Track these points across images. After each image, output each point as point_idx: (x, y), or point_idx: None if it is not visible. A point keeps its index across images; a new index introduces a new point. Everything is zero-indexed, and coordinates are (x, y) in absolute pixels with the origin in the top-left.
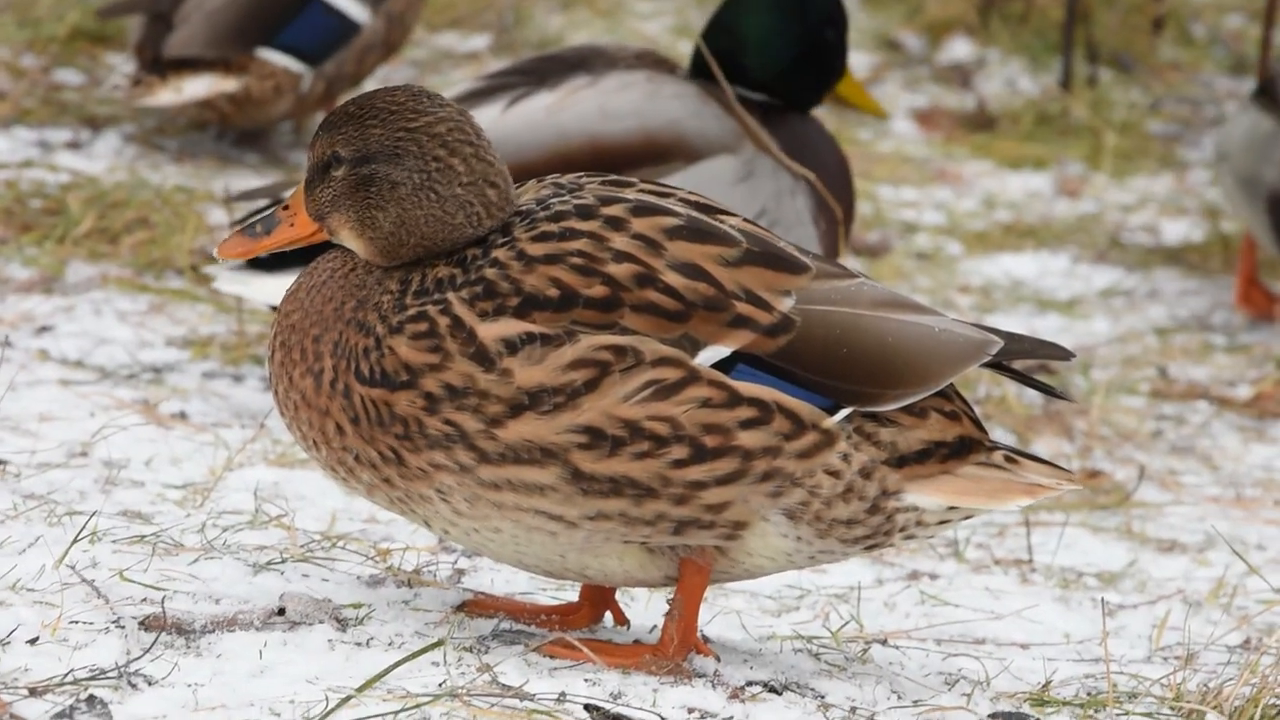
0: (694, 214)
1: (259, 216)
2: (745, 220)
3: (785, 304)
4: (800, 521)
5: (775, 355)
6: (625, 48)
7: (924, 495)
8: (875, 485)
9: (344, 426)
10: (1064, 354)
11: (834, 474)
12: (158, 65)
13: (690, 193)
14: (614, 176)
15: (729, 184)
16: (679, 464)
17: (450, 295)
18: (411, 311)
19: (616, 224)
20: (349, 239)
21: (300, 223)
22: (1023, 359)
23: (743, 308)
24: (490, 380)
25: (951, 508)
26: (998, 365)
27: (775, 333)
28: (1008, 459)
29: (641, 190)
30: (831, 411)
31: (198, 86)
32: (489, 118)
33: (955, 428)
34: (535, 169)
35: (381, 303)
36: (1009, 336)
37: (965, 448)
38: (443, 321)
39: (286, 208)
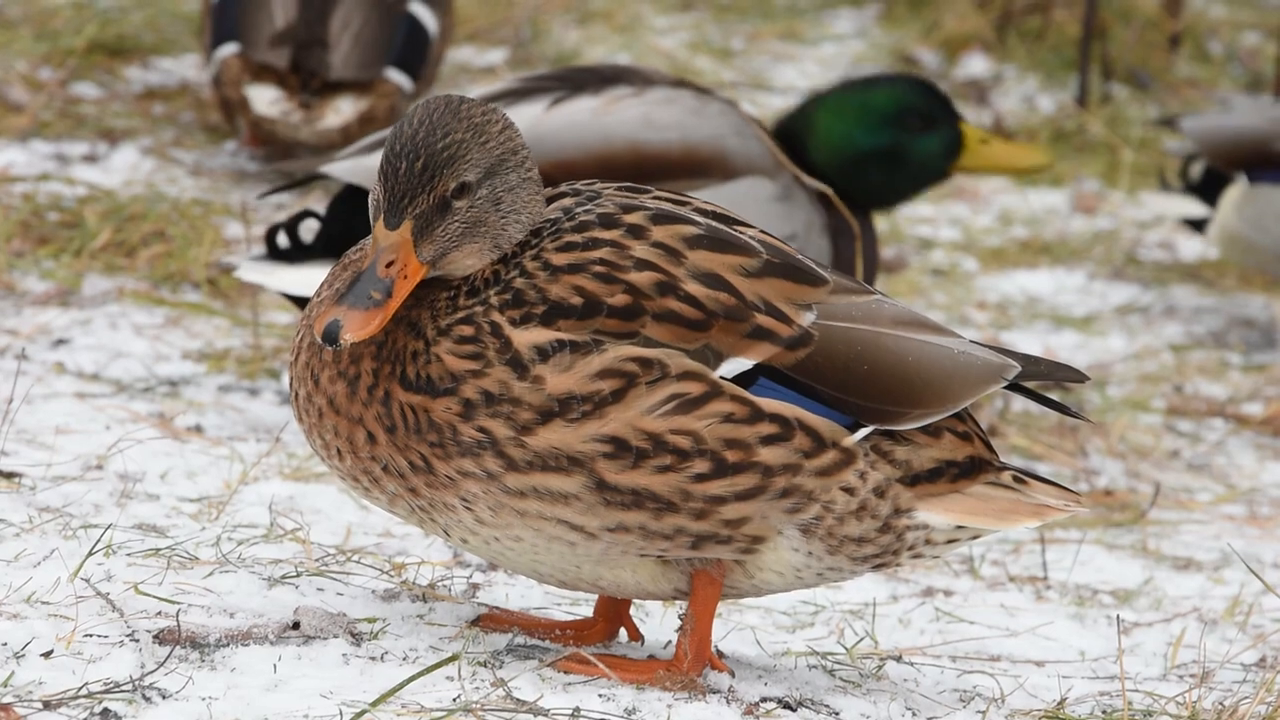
0: (713, 223)
1: (356, 288)
2: (762, 232)
3: (806, 318)
4: (813, 537)
5: (795, 369)
6: (661, 72)
7: (934, 514)
8: (888, 504)
9: (377, 435)
10: (1079, 377)
11: (849, 491)
12: (305, 90)
13: (706, 202)
14: (629, 184)
15: (765, 202)
16: (700, 478)
17: (492, 296)
18: (461, 314)
19: (637, 232)
20: (472, 262)
21: (413, 270)
22: (1039, 381)
23: (762, 319)
24: (523, 387)
25: (960, 527)
26: (1013, 386)
27: (795, 346)
28: (1016, 479)
29: (659, 197)
30: (851, 429)
31: (347, 107)
32: (531, 115)
33: (967, 448)
34: (577, 168)
35: (437, 300)
36: (1026, 359)
37: (975, 467)
38: (485, 325)
39: (390, 263)
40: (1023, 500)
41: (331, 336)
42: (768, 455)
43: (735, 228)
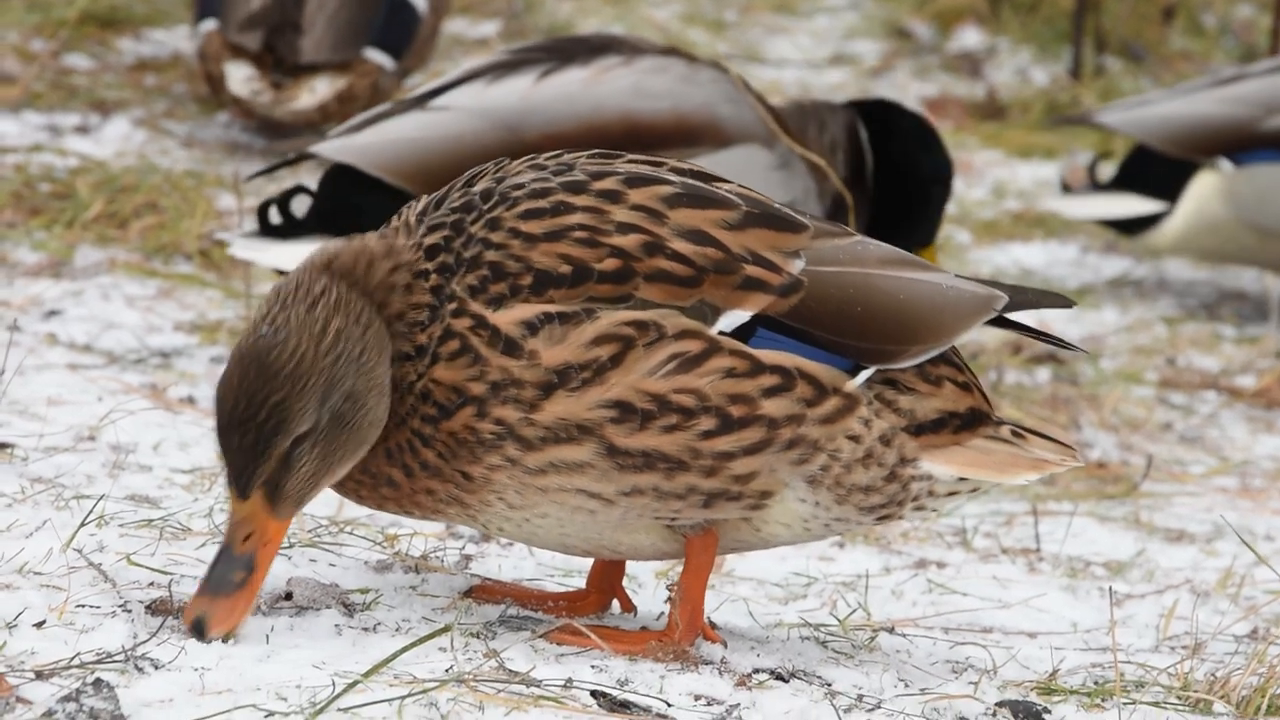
0: (689, 180)
1: (215, 573)
2: (739, 186)
3: (795, 265)
4: (820, 486)
5: (790, 315)
6: (649, 41)
7: (937, 465)
8: (894, 452)
9: (433, 488)
10: (1065, 302)
11: (855, 439)
12: (279, 69)
13: (681, 162)
14: (600, 150)
15: (764, 170)
16: (707, 435)
17: (455, 288)
18: (437, 334)
19: (614, 196)
20: (350, 469)
21: (275, 532)
22: (1026, 309)
23: (752, 270)
24: (521, 366)
25: (961, 479)
26: (1003, 322)
27: (787, 293)
28: (1014, 434)
29: (631, 161)
30: (852, 373)
31: (323, 87)
32: (521, 87)
33: (968, 399)
34: (568, 140)
35: (403, 383)
36: (1012, 289)
37: (975, 419)
38: (463, 324)
39: (248, 536)
40: (1021, 454)
41: (200, 630)
42: (771, 407)
43: (712, 184)
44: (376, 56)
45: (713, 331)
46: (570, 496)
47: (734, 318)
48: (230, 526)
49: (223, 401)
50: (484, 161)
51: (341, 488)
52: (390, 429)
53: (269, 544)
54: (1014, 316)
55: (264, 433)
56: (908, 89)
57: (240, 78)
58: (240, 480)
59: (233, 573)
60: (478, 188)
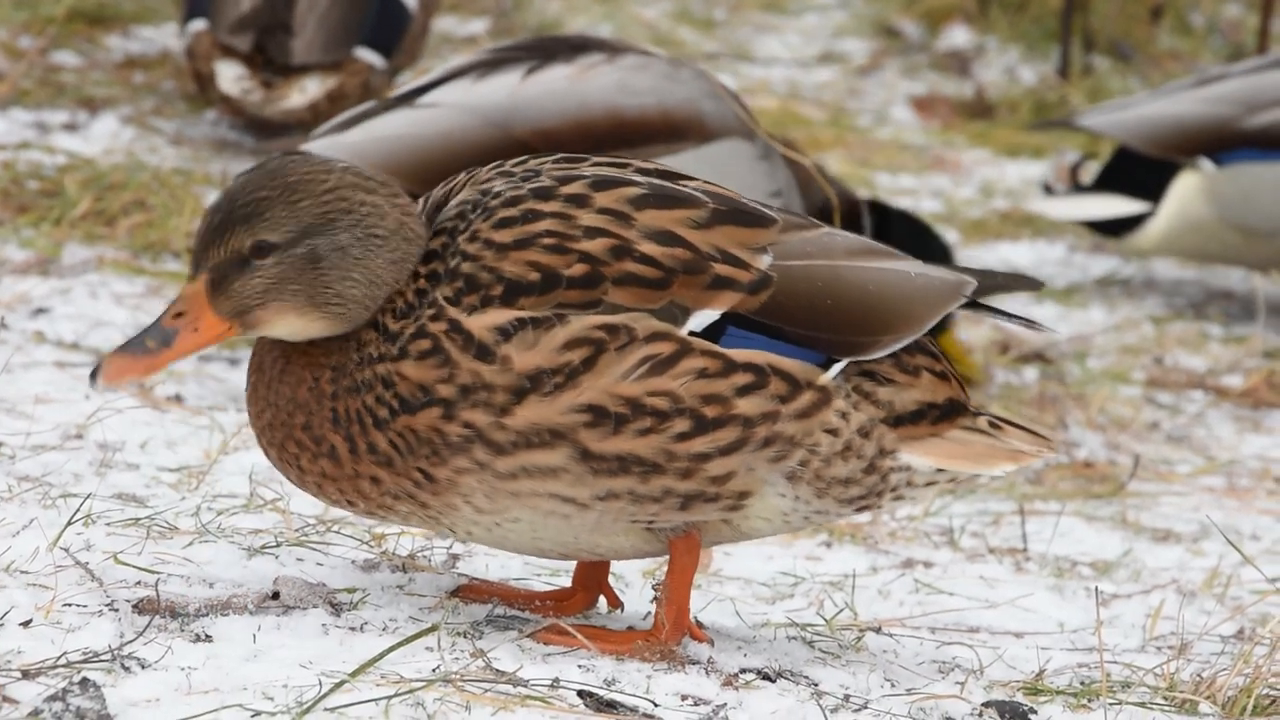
0: (655, 181)
1: (136, 335)
2: (705, 182)
3: (763, 261)
4: (800, 481)
5: (760, 312)
6: (627, 41)
7: (916, 456)
8: (873, 444)
9: (380, 476)
10: (1034, 284)
11: (832, 432)
12: (269, 69)
13: (646, 161)
14: (565, 154)
15: (749, 161)
16: (682, 437)
17: (438, 295)
18: (410, 331)
19: (581, 201)
20: (295, 324)
21: (206, 325)
22: (997, 293)
23: (721, 268)
24: (493, 371)
25: (939, 470)
26: (974, 305)
27: (757, 290)
28: (991, 424)
29: (597, 164)
30: (825, 366)
31: (314, 86)
32: (507, 85)
33: (945, 389)
34: (555, 136)
35: (365, 353)
36: (981, 274)
37: (953, 410)
38: (438, 327)
39: (180, 314)
40: (999, 445)
41: (92, 377)
42: (745, 406)
43: (678, 182)
44: (367, 55)
45: (683, 332)
46: (543, 501)
47: (704, 317)
48: (172, 301)
49: (225, 186)
50: (474, 158)
51: (283, 452)
52: (341, 391)
53: (196, 332)
54: (986, 302)
55: (233, 219)
56: (896, 87)
57: (231, 77)
58: (195, 261)
59: (149, 339)
60: (464, 196)
